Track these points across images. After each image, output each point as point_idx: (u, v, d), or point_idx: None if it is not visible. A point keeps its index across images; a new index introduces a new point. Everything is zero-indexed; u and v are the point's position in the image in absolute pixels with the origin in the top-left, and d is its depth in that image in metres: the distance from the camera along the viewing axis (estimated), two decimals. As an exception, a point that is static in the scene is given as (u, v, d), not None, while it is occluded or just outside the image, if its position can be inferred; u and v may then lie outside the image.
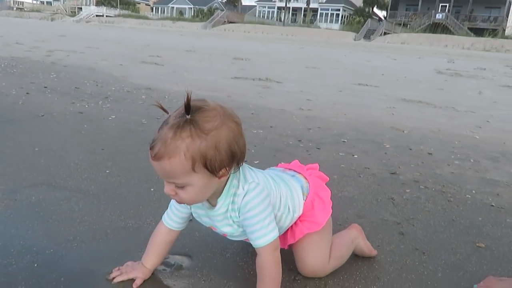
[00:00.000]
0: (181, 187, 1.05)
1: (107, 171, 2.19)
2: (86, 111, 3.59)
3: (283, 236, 1.35)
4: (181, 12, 64.08)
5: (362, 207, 2.00)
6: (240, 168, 1.13)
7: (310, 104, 4.82)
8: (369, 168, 2.60)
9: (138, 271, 1.29)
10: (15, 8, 68.19)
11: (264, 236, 1.15)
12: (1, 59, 6.77)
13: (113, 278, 1.28)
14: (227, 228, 1.22)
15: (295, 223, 1.35)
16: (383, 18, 51.45)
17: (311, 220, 1.34)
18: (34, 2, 78.23)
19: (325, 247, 1.36)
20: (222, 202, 1.17)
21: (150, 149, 1.02)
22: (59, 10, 64.77)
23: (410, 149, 3.11)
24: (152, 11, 68.47)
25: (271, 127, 3.48)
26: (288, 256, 1.39)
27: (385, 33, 39.84)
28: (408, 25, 42.41)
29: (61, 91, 4.42)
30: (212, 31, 42.21)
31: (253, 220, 1.15)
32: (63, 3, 72.17)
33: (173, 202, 1.27)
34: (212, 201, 1.18)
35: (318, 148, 2.96)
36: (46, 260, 1.36)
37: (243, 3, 61.88)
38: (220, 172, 1.06)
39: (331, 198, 1.43)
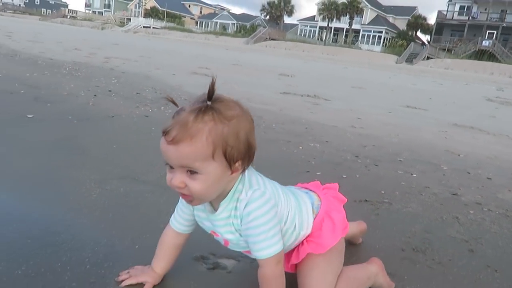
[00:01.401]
0: (193, 175, 1.00)
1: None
2: (151, 115, 3.80)
3: (287, 256, 1.25)
4: (224, 27, 65.59)
5: (428, 223, 2.04)
6: (247, 173, 1.09)
7: (361, 122, 4.87)
8: (429, 187, 2.62)
9: (147, 275, 1.24)
10: (69, 16, 71.82)
11: (267, 248, 1.08)
12: (65, 63, 7.21)
13: (122, 281, 1.23)
14: (229, 236, 1.15)
15: (302, 242, 1.25)
16: (426, 43, 50.72)
17: (317, 242, 1.22)
18: (87, 11, 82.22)
19: (330, 275, 1.21)
20: (225, 206, 1.11)
21: (165, 134, 0.98)
22: (109, 20, 67.74)
23: (468, 173, 3.11)
24: (197, 24, 70.38)
25: (327, 142, 3.56)
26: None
27: (428, 58, 39.23)
28: (453, 51, 41.56)
29: (124, 95, 4.68)
30: (254, 46, 42.92)
31: (257, 230, 1.07)
32: (113, 13, 75.51)
33: (179, 204, 1.25)
34: (215, 205, 1.13)
35: (376, 165, 3.01)
36: (145, 245, 1.48)
37: (285, 21, 62.58)
38: (236, 165, 1.02)
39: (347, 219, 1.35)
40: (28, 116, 3.13)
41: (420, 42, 52.49)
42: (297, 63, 19.87)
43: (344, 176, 2.63)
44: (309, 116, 4.88)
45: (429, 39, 50.15)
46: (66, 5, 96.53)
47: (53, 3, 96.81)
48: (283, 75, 10.80)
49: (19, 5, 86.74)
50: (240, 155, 1.01)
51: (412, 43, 43.82)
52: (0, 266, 1.24)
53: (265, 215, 1.06)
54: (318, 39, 54.48)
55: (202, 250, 1.46)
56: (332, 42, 51.97)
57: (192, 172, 1.00)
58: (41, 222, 1.54)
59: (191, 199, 1.06)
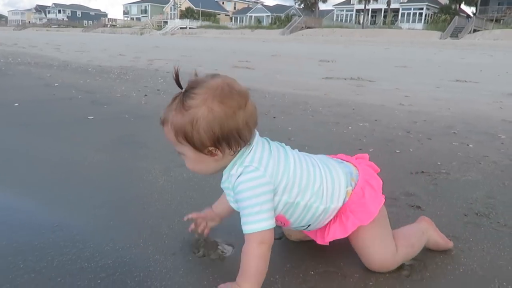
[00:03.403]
0: (180, 155, 1.12)
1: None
2: (200, 108, 3.94)
3: (321, 231, 1.26)
4: (259, 20, 65.60)
5: (490, 189, 2.01)
6: (247, 149, 1.11)
7: (409, 100, 4.77)
8: (488, 156, 2.56)
9: (207, 214, 1.40)
10: (109, 25, 74.52)
11: (250, 224, 1.08)
12: (113, 69, 7.56)
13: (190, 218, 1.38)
14: (233, 204, 1.19)
15: (346, 215, 1.22)
16: (471, 15, 48.17)
17: (363, 210, 1.21)
18: (125, 18, 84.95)
19: (388, 238, 1.26)
20: (226, 176, 1.15)
21: None
22: (147, 25, 69.60)
23: (529, 140, 2.99)
24: (232, 20, 70.85)
25: (376, 121, 3.54)
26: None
27: (474, 30, 37.28)
28: (501, 21, 39.24)
29: (172, 92, 4.75)
30: (290, 37, 42.63)
31: (242, 204, 1.09)
32: (150, 18, 77.52)
33: None
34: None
35: (429, 139, 2.97)
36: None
37: (321, 8, 61.59)
38: (206, 151, 1.06)
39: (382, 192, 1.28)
40: (89, 117, 3.35)
41: (465, 15, 49.95)
42: (336, 49, 19.57)
43: (397, 151, 2.62)
44: (355, 97, 4.85)
45: (474, 11, 47.60)
46: (105, 15, 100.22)
47: (93, 14, 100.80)
48: (323, 61, 10.71)
49: (63, 19, 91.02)
50: (204, 143, 1.05)
51: (456, 17, 41.79)
52: (100, 235, 1.38)
53: (250, 190, 1.08)
54: (355, 22, 53.26)
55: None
56: (371, 25, 50.63)
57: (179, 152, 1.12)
58: (121, 205, 1.69)
59: None
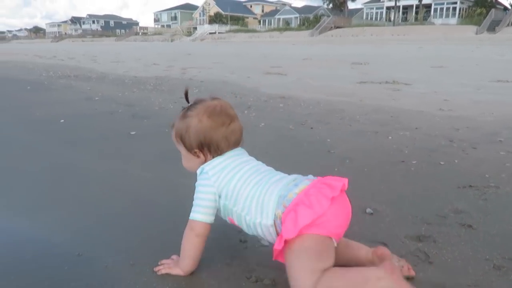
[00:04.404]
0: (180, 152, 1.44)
1: (279, 171, 2.44)
2: (237, 119, 3.97)
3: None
4: (287, 22, 65.46)
5: (544, 204, 1.94)
6: (216, 159, 1.38)
7: (449, 104, 4.65)
8: (540, 166, 2.47)
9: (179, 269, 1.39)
10: (140, 33, 76.33)
11: (191, 212, 1.36)
12: (148, 79, 7.75)
13: (158, 270, 1.39)
14: None
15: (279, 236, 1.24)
16: (509, 7, 46.29)
17: (280, 235, 1.22)
18: (156, 26, 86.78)
19: (301, 271, 1.16)
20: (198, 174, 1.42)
21: None
22: (177, 32, 70.87)
23: None
24: (260, 23, 71.05)
25: (416, 129, 3.48)
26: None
27: (513, 23, 35.81)
28: (542, 12, 37.52)
29: (208, 103, 4.93)
30: (319, 38, 42.33)
31: (194, 196, 1.38)
32: (180, 24, 78.86)
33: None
34: None
35: (474, 148, 2.89)
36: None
37: (350, 7, 60.89)
38: (193, 152, 1.39)
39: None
40: (131, 133, 3.45)
41: (502, 7, 48.08)
42: (367, 49, 19.29)
43: (441, 163, 2.56)
44: (392, 103, 4.77)
45: (512, 3, 45.74)
46: (137, 23, 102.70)
47: (125, 23, 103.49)
48: (356, 64, 10.59)
49: (97, 29, 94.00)
50: (191, 145, 1.38)
51: (493, 10, 40.28)
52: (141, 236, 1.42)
53: (197, 188, 1.37)
54: (386, 20, 52.27)
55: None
56: (402, 22, 49.52)
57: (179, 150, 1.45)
58: (169, 221, 1.73)
59: None
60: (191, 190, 1.36)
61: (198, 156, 1.39)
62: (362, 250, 1.36)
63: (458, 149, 2.88)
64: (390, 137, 3.21)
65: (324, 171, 2.39)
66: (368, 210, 1.85)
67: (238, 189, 1.32)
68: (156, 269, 1.40)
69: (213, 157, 1.38)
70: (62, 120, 3.94)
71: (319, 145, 3.01)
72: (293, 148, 2.96)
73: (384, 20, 52.52)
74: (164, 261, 1.42)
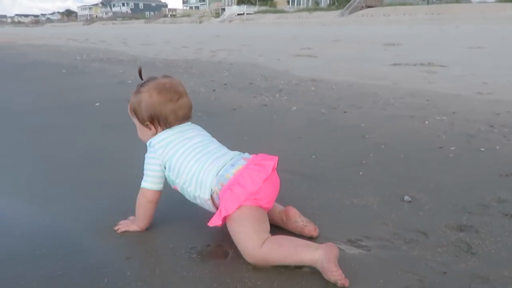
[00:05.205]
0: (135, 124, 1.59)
1: (313, 157, 2.42)
2: (269, 103, 3.95)
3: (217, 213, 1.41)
4: (316, 2, 64.12)
5: None
6: (163, 132, 1.51)
7: (488, 87, 4.47)
8: None
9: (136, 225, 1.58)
10: (169, 15, 76.61)
11: (142, 181, 1.53)
12: (179, 62, 7.80)
13: (118, 229, 1.57)
14: None
15: (219, 208, 1.39)
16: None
17: (220, 208, 1.37)
18: (184, 8, 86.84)
19: (251, 232, 1.34)
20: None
21: None
22: (205, 13, 70.72)
23: None
24: (289, 4, 69.88)
25: (454, 113, 3.36)
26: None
27: (557, 0, 33.79)
28: None
29: (239, 86, 4.93)
30: (350, 18, 41.30)
31: (144, 166, 1.54)
32: (208, 6, 78.61)
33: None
34: None
35: (517, 134, 2.78)
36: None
37: (382, -15, 58.81)
38: (145, 124, 1.53)
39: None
40: (165, 116, 3.49)
41: (545, -17, 45.32)
42: (400, 30, 18.71)
43: (482, 149, 2.48)
44: (428, 86, 4.63)
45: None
46: (166, 5, 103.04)
47: (154, 5, 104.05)
48: (388, 45, 10.30)
49: (127, 12, 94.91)
50: (143, 118, 1.51)
51: (535, -14, 38.06)
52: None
53: (145, 159, 1.52)
54: (419, -1, 50.31)
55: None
56: (436, 0, 47.62)
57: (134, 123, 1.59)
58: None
59: None
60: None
61: (149, 128, 1.53)
62: (276, 209, 1.55)
63: (499, 134, 2.77)
64: (426, 122, 3.12)
65: (359, 157, 2.37)
66: (406, 197, 1.82)
67: (180, 164, 1.46)
68: (115, 228, 1.57)
69: (163, 129, 1.52)
70: (97, 104, 4.03)
71: (353, 130, 2.96)
72: (327, 133, 2.92)
73: (417, -2, 50.54)
74: (122, 221, 1.59)
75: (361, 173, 2.15)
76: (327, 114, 3.45)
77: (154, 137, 1.52)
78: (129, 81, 5.42)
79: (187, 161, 1.46)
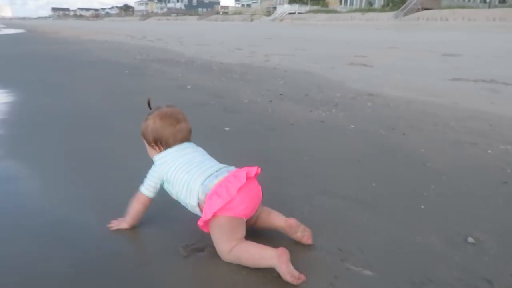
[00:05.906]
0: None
1: (373, 184, 2.46)
2: (326, 119, 3.99)
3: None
4: (370, 3, 62.76)
5: None
6: (165, 151, 1.82)
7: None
8: None
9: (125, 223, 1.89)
10: (221, 13, 77.69)
11: (141, 186, 1.83)
12: (234, 67, 7.98)
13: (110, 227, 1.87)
14: None
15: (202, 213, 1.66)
16: None
17: (205, 212, 1.63)
18: (236, 5, 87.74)
19: (223, 240, 1.61)
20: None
21: None
22: (256, 11, 71.14)
23: None
24: (341, 3, 68.88)
25: (519, 142, 3.27)
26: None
27: None
28: None
29: (295, 98, 5.00)
30: (404, 21, 40.11)
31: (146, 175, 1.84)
32: (260, 4, 78.96)
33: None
34: None
35: None
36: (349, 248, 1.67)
37: (440, -13, 56.56)
38: (151, 145, 1.86)
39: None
40: (225, 129, 3.63)
41: None
42: (459, 37, 17.99)
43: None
44: (490, 108, 4.49)
45: None
46: (218, 2, 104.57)
47: (207, 1, 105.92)
48: (447, 55, 9.97)
49: (181, 8, 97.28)
50: (149, 141, 1.86)
51: None
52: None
53: (149, 171, 1.83)
54: (480, 1, 48.01)
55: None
56: (499, 3, 45.19)
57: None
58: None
59: None
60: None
61: (155, 149, 1.86)
62: (280, 219, 1.77)
63: None
64: (489, 151, 3.06)
65: (419, 187, 2.39)
66: (470, 239, 1.82)
67: (174, 175, 1.75)
68: (108, 226, 1.87)
69: (165, 149, 1.83)
70: (161, 111, 4.23)
71: (413, 155, 2.96)
72: (385, 157, 2.94)
73: (478, 1, 48.26)
74: (113, 221, 1.88)
75: (422, 206, 2.16)
76: (385, 136, 3.45)
77: (157, 155, 1.83)
78: (189, 87, 5.65)
79: (180, 173, 1.74)
